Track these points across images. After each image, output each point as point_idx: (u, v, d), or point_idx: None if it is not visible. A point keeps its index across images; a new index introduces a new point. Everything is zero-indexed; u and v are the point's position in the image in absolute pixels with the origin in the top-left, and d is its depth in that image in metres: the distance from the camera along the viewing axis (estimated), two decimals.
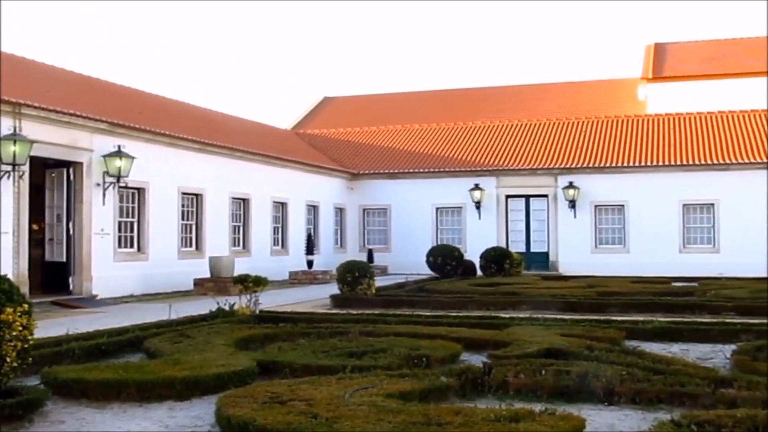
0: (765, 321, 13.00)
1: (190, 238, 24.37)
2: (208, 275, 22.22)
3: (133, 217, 21.89)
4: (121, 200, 21.34)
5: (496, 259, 25.28)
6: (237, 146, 26.69)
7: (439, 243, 30.33)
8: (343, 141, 37.76)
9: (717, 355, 9.94)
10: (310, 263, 27.52)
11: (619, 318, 13.49)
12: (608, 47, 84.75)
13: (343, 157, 35.46)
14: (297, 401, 6.50)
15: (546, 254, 31.62)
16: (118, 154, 20.29)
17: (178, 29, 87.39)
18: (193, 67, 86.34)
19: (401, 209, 33.13)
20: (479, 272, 25.56)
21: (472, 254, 26.92)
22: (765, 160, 29.42)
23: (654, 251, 29.69)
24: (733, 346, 9.94)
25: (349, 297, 17.50)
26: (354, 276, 17.78)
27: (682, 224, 30.23)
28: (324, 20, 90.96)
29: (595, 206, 31.11)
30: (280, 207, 29.35)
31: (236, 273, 17.37)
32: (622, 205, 30.87)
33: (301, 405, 6.37)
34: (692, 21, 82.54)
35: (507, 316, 13.71)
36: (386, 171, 33.86)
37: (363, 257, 28.83)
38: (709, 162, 30.10)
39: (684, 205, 30.23)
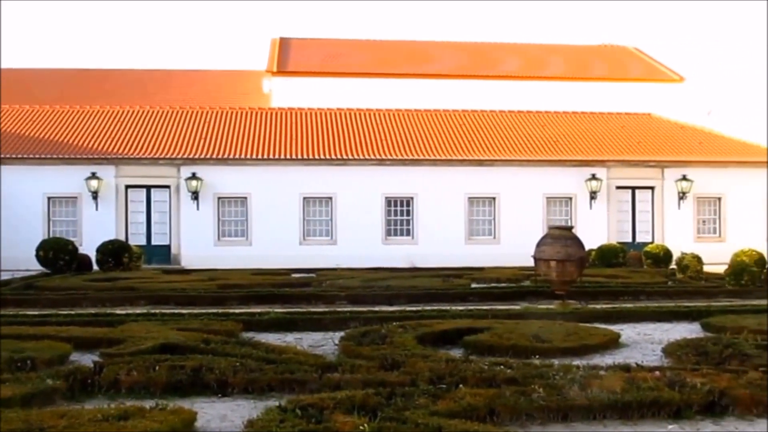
0: (373, 309, 14.07)
1: None
2: None
3: None
4: None
5: (114, 252, 24.43)
6: None
7: (51, 236, 28.44)
8: None
9: (327, 342, 10.57)
10: None
11: (237, 310, 13.87)
12: (235, 38, 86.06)
13: None
14: None
15: (168, 247, 31.17)
16: None
17: None
18: None
19: (7, 198, 30.46)
20: (96, 267, 24.52)
21: (89, 248, 25.69)
22: (379, 157, 31.72)
23: (276, 244, 30.48)
24: (342, 333, 10.59)
25: None
26: None
27: (302, 217, 31.47)
28: None
29: (219, 198, 31.27)
30: None
31: None
32: (245, 198, 31.35)
33: None
34: (318, 18, 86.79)
35: (123, 312, 13.49)
36: None
37: None
38: (327, 157, 31.72)
39: (304, 198, 31.48)
